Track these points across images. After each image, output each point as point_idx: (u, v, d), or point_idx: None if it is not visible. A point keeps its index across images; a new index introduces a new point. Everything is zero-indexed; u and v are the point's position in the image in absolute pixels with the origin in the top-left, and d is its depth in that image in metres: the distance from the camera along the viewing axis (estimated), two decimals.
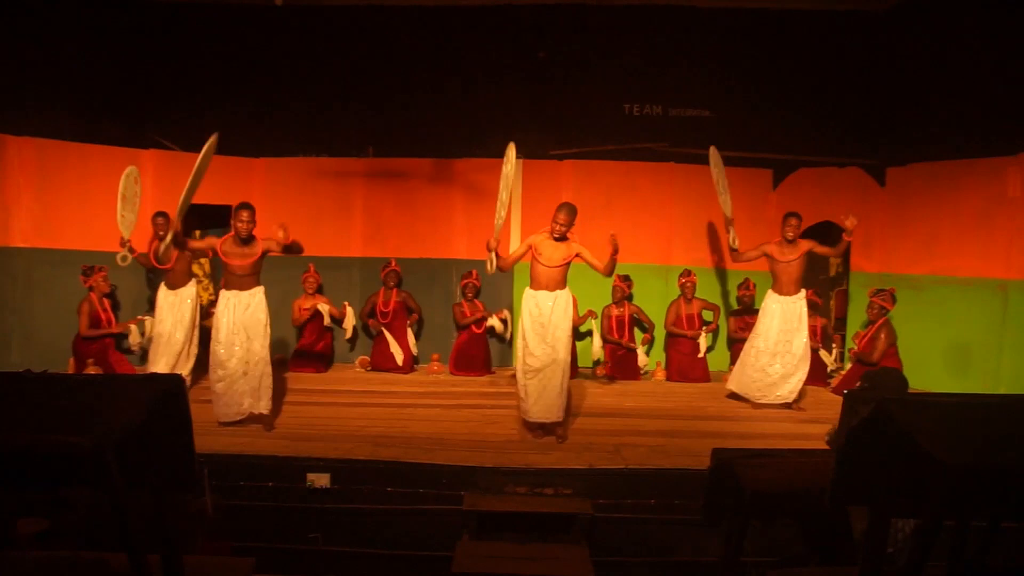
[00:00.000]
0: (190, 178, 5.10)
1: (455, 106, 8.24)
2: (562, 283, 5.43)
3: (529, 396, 5.36)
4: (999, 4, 6.64)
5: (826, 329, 7.70)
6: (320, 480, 4.73)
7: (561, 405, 5.40)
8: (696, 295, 7.79)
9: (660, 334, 7.93)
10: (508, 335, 7.89)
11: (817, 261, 7.91)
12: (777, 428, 5.94)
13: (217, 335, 5.45)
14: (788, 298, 6.39)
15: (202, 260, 8.82)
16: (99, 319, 6.80)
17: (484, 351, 7.88)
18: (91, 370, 6.57)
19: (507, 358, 8.12)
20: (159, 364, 6.38)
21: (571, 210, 5.34)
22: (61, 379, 3.27)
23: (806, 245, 6.35)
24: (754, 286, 7.80)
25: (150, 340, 6.67)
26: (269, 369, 5.56)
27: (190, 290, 6.57)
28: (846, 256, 7.79)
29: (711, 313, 7.85)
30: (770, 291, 6.52)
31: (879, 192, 7.77)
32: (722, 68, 8.05)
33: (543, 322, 5.34)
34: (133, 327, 6.88)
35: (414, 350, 7.88)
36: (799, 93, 8.02)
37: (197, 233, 7.84)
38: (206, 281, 8.86)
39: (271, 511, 4.74)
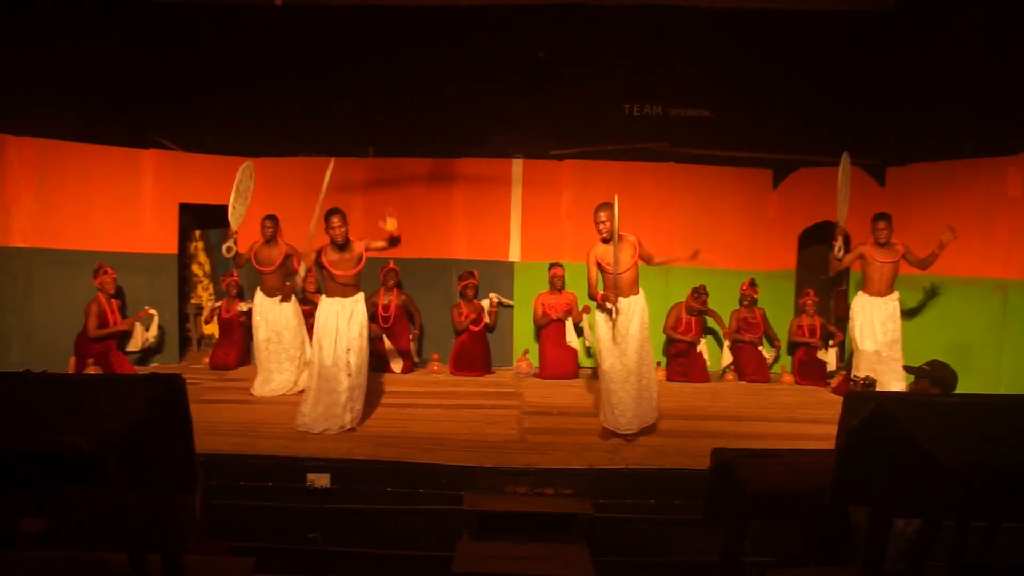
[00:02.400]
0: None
1: (455, 106, 8.23)
2: (635, 286, 5.38)
3: (625, 403, 5.28)
4: (999, 4, 6.64)
5: (825, 328, 7.70)
6: (320, 480, 4.73)
7: (656, 407, 5.44)
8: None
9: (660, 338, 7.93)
10: (493, 321, 7.87)
11: (818, 261, 7.93)
12: (777, 428, 5.93)
13: (321, 344, 5.37)
14: (881, 299, 6.36)
15: (202, 260, 8.80)
16: (106, 319, 6.81)
17: (484, 351, 7.86)
18: (91, 370, 6.57)
19: (507, 358, 8.11)
20: (285, 373, 6.51)
21: (605, 205, 5.21)
22: (61, 379, 3.27)
23: (903, 248, 6.37)
24: (754, 284, 7.81)
25: (156, 339, 6.65)
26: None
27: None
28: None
29: (713, 320, 7.85)
30: (860, 293, 6.47)
31: (879, 192, 7.76)
32: (722, 68, 8.04)
33: (624, 332, 5.25)
34: (138, 324, 6.86)
35: (415, 357, 7.87)
36: (799, 93, 8.01)
37: (195, 235, 7.83)
38: (206, 281, 8.83)
39: (271, 511, 4.73)
